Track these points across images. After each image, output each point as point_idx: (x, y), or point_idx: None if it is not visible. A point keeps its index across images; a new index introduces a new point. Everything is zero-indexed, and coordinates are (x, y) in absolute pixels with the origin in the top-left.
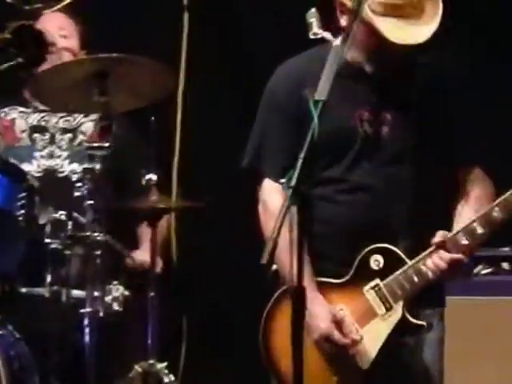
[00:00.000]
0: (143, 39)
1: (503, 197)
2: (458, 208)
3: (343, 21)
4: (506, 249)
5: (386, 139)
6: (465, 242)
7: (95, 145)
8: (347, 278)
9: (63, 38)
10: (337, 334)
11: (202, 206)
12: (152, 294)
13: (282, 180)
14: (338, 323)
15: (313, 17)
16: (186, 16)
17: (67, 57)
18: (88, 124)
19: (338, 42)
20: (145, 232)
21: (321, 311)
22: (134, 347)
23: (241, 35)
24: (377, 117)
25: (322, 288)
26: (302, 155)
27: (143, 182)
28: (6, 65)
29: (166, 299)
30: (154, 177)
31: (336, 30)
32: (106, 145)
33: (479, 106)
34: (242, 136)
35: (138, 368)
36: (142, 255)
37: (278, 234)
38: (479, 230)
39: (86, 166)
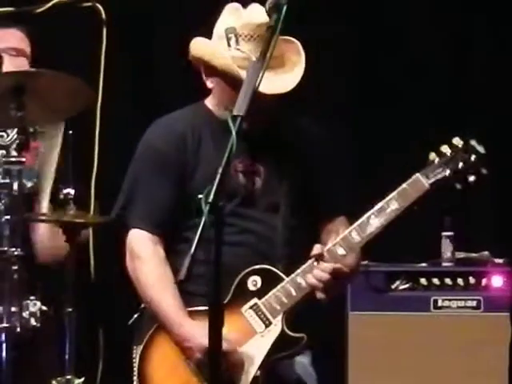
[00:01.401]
0: (61, 54)
1: (378, 205)
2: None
3: (209, 83)
4: (424, 264)
5: (259, 189)
6: (342, 252)
7: (12, 159)
8: (225, 301)
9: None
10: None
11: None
12: (69, 309)
13: (200, 195)
14: None
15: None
16: (104, 30)
17: None
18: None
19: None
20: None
21: (197, 331)
22: (50, 363)
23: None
24: (250, 168)
25: (198, 316)
26: (219, 170)
27: (61, 197)
28: None
29: (82, 314)
30: (71, 191)
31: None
32: (23, 159)
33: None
34: None
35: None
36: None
37: (196, 251)
38: (356, 239)
39: (1, 180)
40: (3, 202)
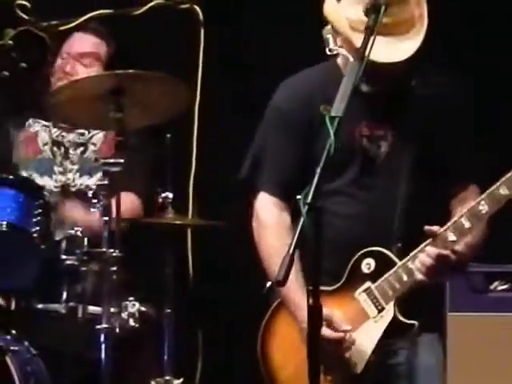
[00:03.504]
0: (159, 56)
1: (489, 191)
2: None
3: (338, 41)
4: None
5: (384, 155)
6: (452, 238)
7: (110, 161)
8: (340, 284)
9: (83, 67)
10: (327, 331)
11: (218, 223)
12: (168, 310)
13: (298, 196)
14: (327, 321)
15: (329, 33)
16: (202, 31)
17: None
18: (98, 135)
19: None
20: None
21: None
22: (149, 363)
23: (253, 49)
24: (375, 133)
25: None
26: (318, 171)
27: (159, 200)
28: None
29: (181, 315)
30: (170, 195)
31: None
32: (121, 161)
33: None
34: None
35: None
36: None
37: (294, 250)
38: (466, 225)
39: (100, 182)
40: (102, 203)
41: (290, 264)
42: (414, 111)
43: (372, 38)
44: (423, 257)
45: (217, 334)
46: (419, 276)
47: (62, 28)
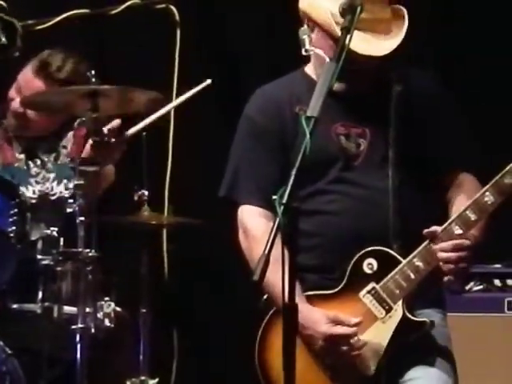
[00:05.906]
0: (136, 55)
1: (493, 180)
2: (450, 207)
3: (313, 36)
4: (498, 265)
5: (365, 152)
6: (459, 231)
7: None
8: (341, 286)
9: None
10: (338, 328)
11: (194, 222)
12: (144, 310)
13: (274, 196)
14: (335, 321)
15: (305, 33)
16: (178, 32)
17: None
18: (67, 137)
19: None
20: None
21: (314, 318)
22: (125, 363)
23: (231, 51)
24: (353, 132)
25: (315, 301)
26: (293, 171)
27: (135, 198)
28: None
29: (156, 315)
30: (146, 192)
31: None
32: (97, 160)
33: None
34: None
35: None
36: None
37: (270, 251)
38: (472, 217)
39: (76, 182)
40: (78, 203)
41: (265, 264)
42: (393, 108)
43: (349, 38)
44: (443, 254)
45: (192, 333)
46: (445, 279)
47: (38, 27)
